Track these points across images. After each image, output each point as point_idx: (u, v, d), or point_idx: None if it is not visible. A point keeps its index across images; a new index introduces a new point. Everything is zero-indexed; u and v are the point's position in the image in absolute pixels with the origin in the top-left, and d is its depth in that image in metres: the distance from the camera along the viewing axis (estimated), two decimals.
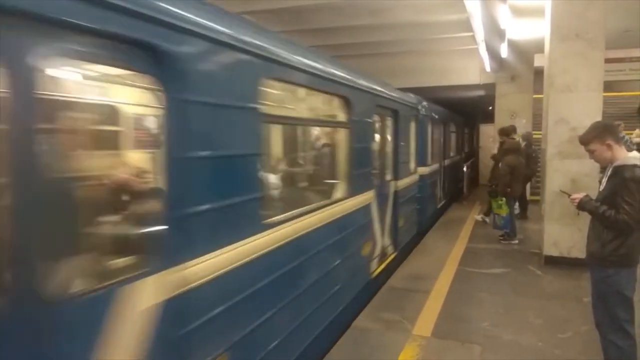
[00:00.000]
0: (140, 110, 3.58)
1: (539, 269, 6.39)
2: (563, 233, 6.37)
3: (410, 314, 4.80)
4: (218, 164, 2.52)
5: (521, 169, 8.04)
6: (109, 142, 3.44)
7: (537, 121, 11.97)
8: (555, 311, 4.89)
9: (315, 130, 5.68)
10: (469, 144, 18.99)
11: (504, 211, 7.72)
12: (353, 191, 4.68)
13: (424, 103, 8.80)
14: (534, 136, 11.00)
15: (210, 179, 2.45)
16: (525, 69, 13.26)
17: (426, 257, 7.06)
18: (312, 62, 3.79)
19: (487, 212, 9.48)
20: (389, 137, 6.61)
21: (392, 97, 6.40)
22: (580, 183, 6.00)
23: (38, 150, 1.64)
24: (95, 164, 2.79)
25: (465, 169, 13.13)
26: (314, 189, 5.13)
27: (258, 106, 2.85)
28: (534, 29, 9.51)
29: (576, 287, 5.50)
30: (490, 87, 14.21)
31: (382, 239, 6.06)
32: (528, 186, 10.33)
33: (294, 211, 3.55)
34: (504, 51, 11.21)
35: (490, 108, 15.35)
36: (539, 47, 8.21)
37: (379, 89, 5.74)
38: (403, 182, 6.96)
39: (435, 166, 10.01)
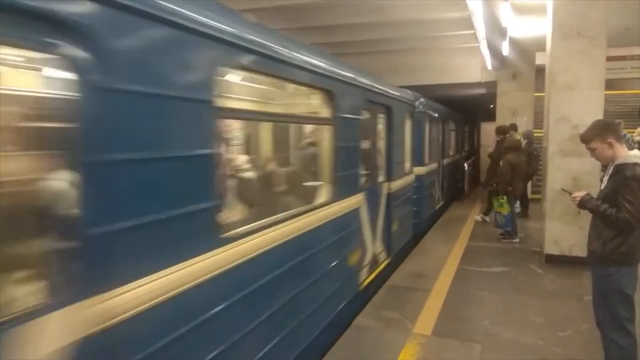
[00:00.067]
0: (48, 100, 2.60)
1: (540, 268, 6.38)
2: (564, 231, 6.37)
3: (411, 313, 4.80)
4: (155, 168, 2.09)
5: (522, 167, 8.02)
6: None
7: (539, 119, 11.99)
8: (556, 310, 4.88)
9: (299, 128, 5.24)
10: (469, 143, 18.88)
11: (505, 210, 7.71)
12: (338, 195, 4.26)
13: (422, 99, 8.45)
14: (535, 134, 11.01)
15: (144, 186, 2.03)
16: (526, 67, 13.23)
17: (426, 256, 7.05)
18: (288, 51, 3.35)
19: (487, 212, 9.48)
20: (381, 136, 6.17)
21: (384, 92, 5.92)
22: (581, 181, 6.00)
23: None
24: None
25: (466, 167, 13.10)
26: (292, 194, 4.73)
27: (212, 99, 2.43)
28: (536, 27, 9.49)
29: (577, 286, 5.51)
30: (491, 85, 14.17)
31: (373, 246, 5.62)
32: (529, 184, 10.32)
33: (263, 220, 3.11)
34: (506, 49, 11.17)
35: (492, 106, 15.30)
36: (540, 45, 8.21)
37: (369, 82, 5.24)
38: (397, 184, 6.56)
39: (433, 166, 9.70)
